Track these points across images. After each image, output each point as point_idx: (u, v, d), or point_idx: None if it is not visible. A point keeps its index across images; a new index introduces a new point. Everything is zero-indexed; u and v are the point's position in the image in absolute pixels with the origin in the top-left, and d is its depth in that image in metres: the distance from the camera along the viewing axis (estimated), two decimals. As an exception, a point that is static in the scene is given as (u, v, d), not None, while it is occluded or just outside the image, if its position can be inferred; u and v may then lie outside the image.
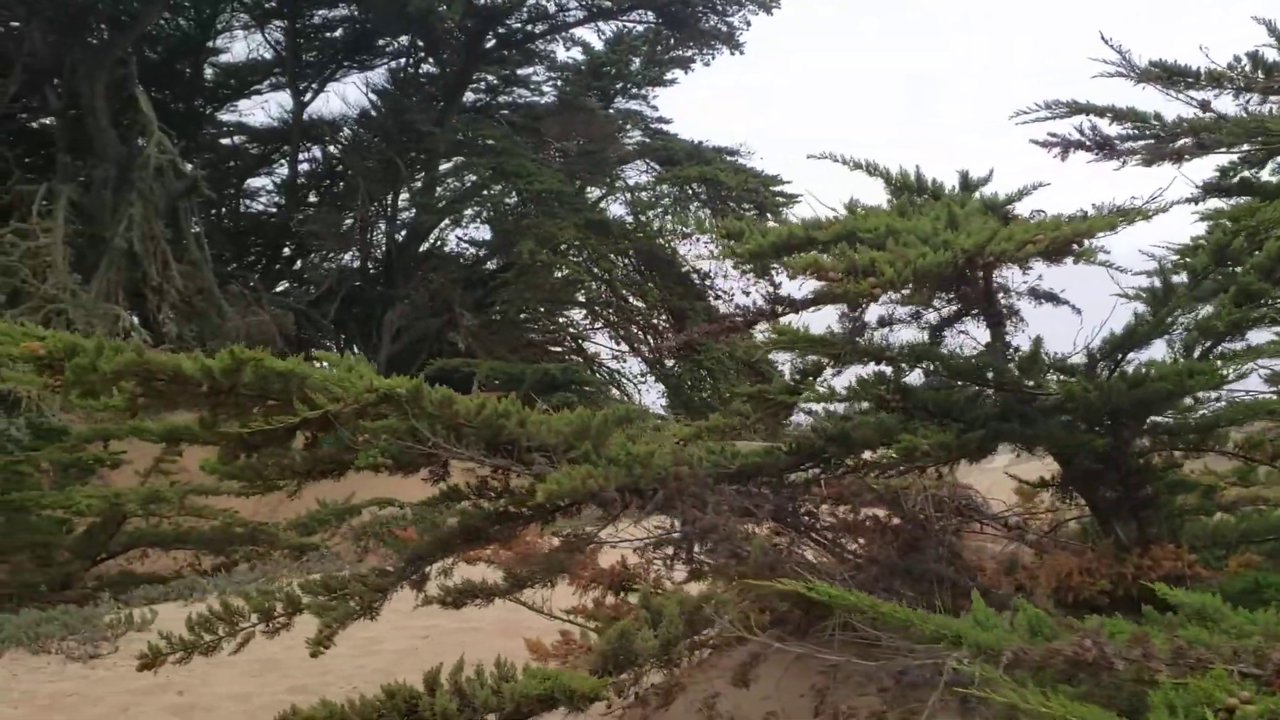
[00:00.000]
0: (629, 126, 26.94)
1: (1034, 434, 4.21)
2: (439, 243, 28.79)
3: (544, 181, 22.21)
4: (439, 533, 4.18)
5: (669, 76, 28.25)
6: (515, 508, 4.16)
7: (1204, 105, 7.57)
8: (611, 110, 28.16)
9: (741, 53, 24.86)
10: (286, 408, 4.64)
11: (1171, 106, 7.81)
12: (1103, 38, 7.58)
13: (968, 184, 4.46)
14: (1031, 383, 4.14)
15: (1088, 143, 8.11)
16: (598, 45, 28.04)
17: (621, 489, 4.09)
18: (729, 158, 24.82)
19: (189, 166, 23.71)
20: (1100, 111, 8.26)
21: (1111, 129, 8.49)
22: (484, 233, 29.70)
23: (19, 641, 7.15)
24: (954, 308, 4.73)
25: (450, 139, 24.62)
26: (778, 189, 24.41)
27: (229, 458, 5.81)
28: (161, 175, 22.58)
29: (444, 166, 27.23)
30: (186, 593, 8.90)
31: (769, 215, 24.46)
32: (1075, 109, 8.37)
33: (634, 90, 28.81)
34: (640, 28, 27.29)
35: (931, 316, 4.96)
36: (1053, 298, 4.51)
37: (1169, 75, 7.37)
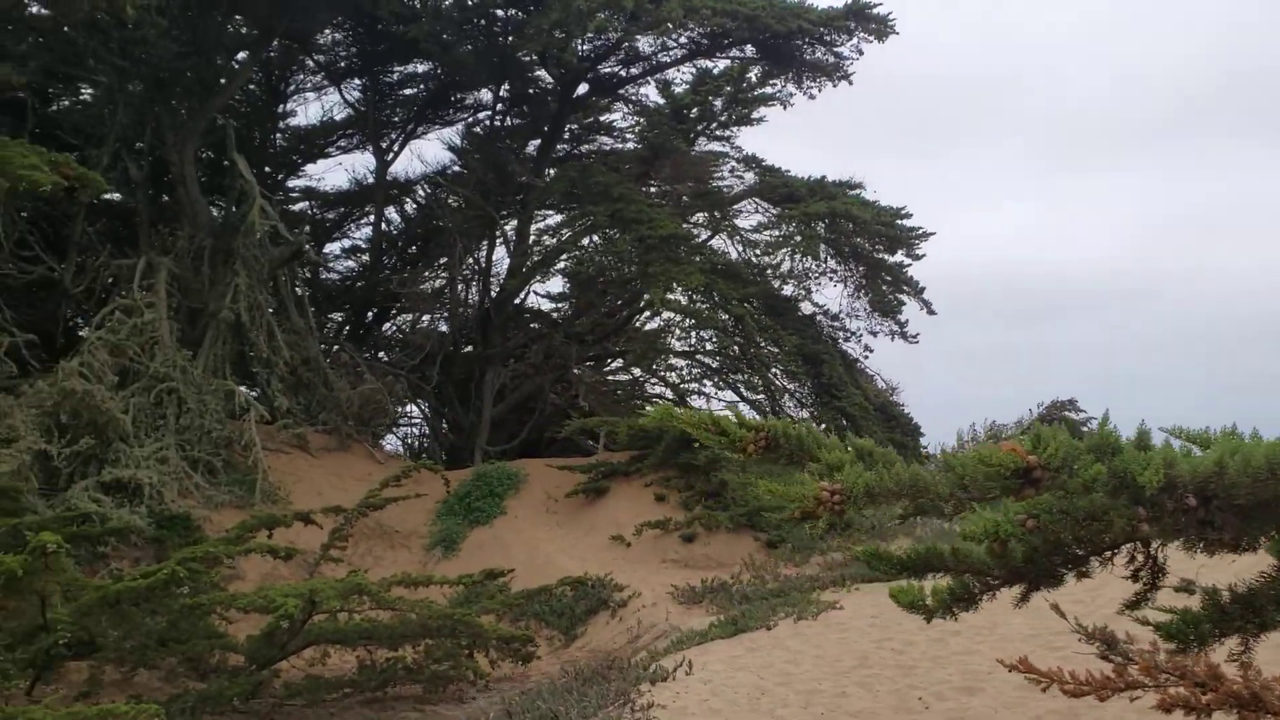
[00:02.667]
0: (740, 166, 25.95)
1: None
2: (528, 297, 27.71)
3: (665, 226, 21.07)
4: None
5: (757, 115, 27.28)
6: None
7: None
8: (693, 152, 27.19)
9: (850, 83, 23.86)
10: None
11: None
12: None
13: None
14: None
15: None
16: (678, 88, 27.19)
17: None
18: (851, 191, 23.75)
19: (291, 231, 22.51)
20: None
21: None
22: (562, 285, 28.78)
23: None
24: None
25: (560, 189, 23.57)
26: (906, 222, 23.31)
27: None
28: (261, 242, 21.50)
29: (551, 219, 26.28)
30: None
31: (902, 251, 23.45)
32: None
33: (717, 131, 27.85)
34: (723, 65, 26.31)
35: None
36: None
37: None
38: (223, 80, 22.86)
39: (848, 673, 8.49)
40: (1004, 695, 7.39)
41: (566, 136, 27.54)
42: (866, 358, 25.21)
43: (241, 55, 23.98)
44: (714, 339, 24.65)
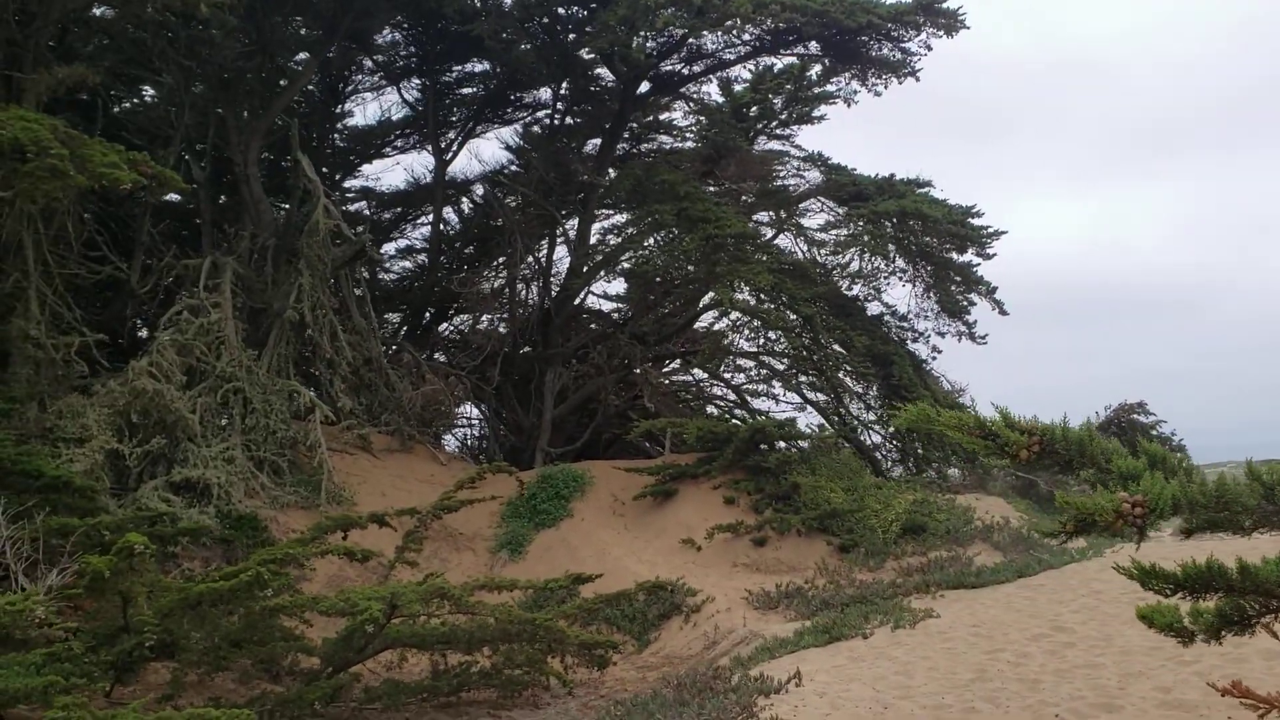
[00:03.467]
0: (803, 165, 25.57)
1: None
2: (588, 298, 27.45)
3: (734, 225, 20.72)
4: None
5: (818, 113, 26.92)
6: None
7: None
8: (754, 150, 26.85)
9: (916, 79, 23.34)
10: None
11: None
12: None
13: None
14: None
15: None
16: (738, 85, 26.89)
17: None
18: (920, 190, 23.26)
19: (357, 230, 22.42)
20: None
21: None
22: (624, 285, 28.50)
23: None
24: None
25: (625, 187, 23.28)
26: (977, 221, 22.77)
27: None
28: (324, 242, 21.38)
29: (614, 219, 26.04)
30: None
31: (972, 250, 22.93)
32: None
33: (777, 130, 27.52)
34: (786, 62, 25.92)
35: None
36: None
37: None
38: (284, 81, 22.83)
39: (968, 686, 8.10)
40: (1148, 715, 6.99)
41: (627, 135, 27.28)
42: (934, 358, 24.76)
43: (302, 55, 23.95)
44: (781, 340, 24.26)
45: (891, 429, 22.88)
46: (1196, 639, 3.71)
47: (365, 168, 29.36)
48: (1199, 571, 3.44)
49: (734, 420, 25.49)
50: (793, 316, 22.41)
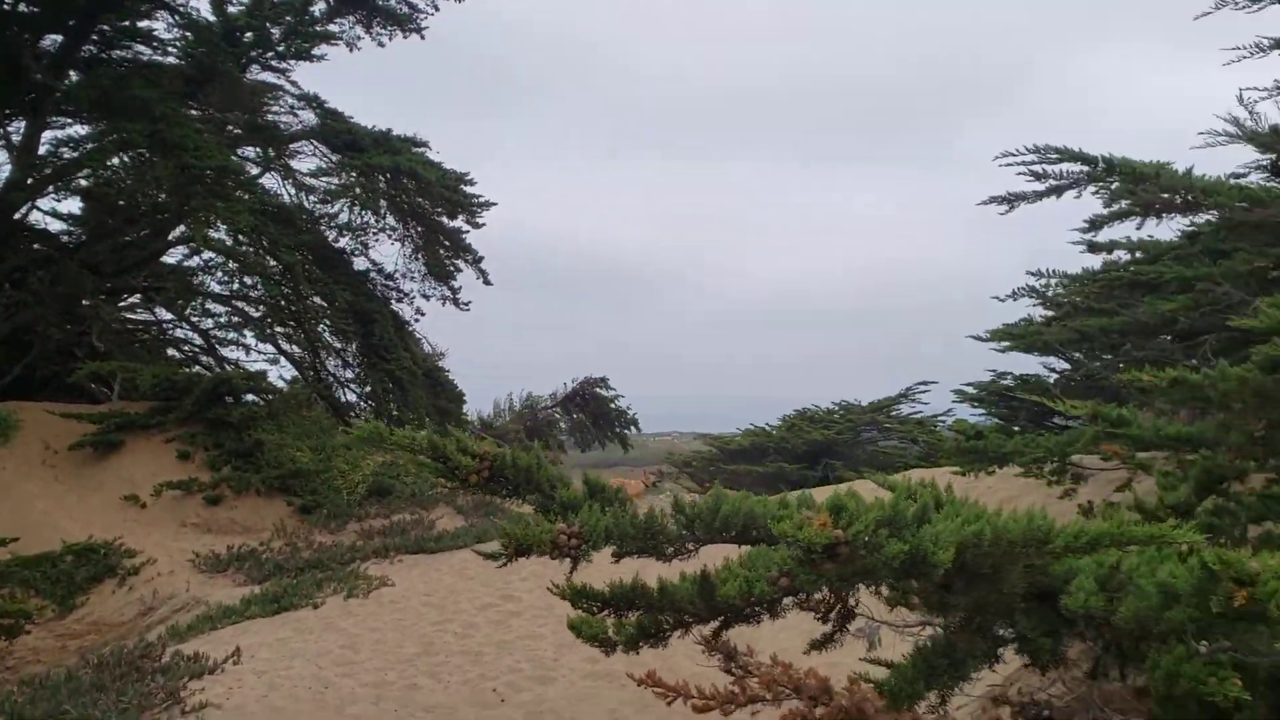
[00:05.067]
0: (298, 104, 24.03)
1: None
2: (31, 214, 23.86)
3: (214, 156, 19.07)
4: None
5: (318, 51, 25.70)
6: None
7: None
8: (246, 79, 25.03)
9: (422, 37, 23.13)
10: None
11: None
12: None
13: None
14: None
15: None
16: (234, 7, 24.89)
17: None
18: (416, 149, 22.92)
19: None
20: (1090, 159, 8.46)
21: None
22: (79, 205, 25.21)
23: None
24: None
25: (88, 97, 20.39)
26: (471, 190, 22.97)
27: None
28: None
29: (73, 129, 22.58)
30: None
31: (463, 216, 23.09)
32: (1067, 155, 8.50)
33: (273, 62, 25.87)
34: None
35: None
36: None
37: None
38: None
39: (413, 660, 8.09)
40: (576, 686, 7.40)
41: (96, 37, 24.04)
42: (418, 320, 24.71)
43: None
44: (258, 286, 22.82)
45: (368, 389, 22.55)
46: (618, 649, 3.92)
47: None
48: (624, 590, 3.64)
49: (199, 368, 23.64)
50: (273, 263, 21.17)
